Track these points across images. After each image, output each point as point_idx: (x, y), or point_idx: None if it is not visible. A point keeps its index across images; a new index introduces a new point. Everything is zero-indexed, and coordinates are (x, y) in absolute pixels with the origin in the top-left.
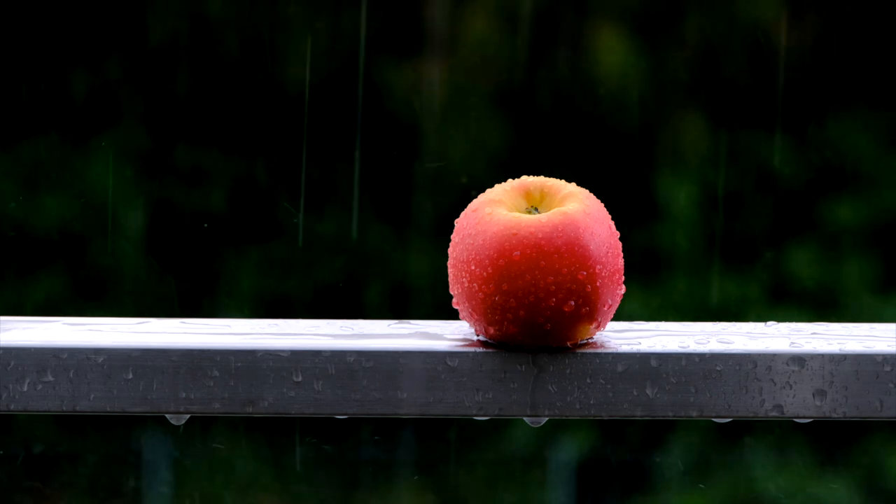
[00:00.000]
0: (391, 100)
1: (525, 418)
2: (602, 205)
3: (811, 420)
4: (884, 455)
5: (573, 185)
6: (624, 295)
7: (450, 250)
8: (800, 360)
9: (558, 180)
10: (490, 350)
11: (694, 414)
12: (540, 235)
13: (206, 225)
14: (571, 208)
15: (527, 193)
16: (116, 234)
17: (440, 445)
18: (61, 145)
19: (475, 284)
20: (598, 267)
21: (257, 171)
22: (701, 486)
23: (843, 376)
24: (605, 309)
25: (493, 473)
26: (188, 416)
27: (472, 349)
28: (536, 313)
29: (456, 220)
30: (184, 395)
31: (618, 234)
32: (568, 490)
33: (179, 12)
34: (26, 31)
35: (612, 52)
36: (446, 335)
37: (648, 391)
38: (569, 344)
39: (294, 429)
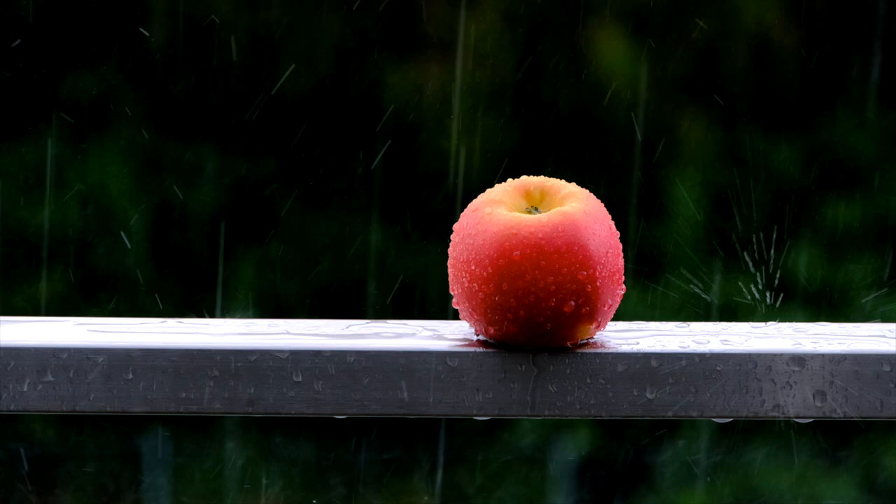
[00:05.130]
0: (392, 99)
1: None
2: (602, 205)
3: (811, 420)
4: (884, 454)
5: (573, 184)
6: (624, 295)
7: (450, 250)
8: (800, 360)
9: (558, 180)
10: (490, 350)
11: (694, 414)
12: (540, 235)
13: (206, 225)
14: (571, 208)
15: (527, 193)
16: (117, 234)
17: (440, 445)
18: (62, 145)
19: (475, 284)
20: (599, 267)
21: (258, 171)
22: (701, 485)
23: (843, 376)
24: (605, 309)
25: (493, 473)
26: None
27: (472, 349)
28: (536, 313)
29: (456, 221)
30: (184, 395)
31: (618, 234)
32: (568, 490)
33: (180, 12)
34: (27, 31)
35: (612, 51)
36: (446, 335)
37: (648, 391)
38: (569, 344)
39: (294, 429)
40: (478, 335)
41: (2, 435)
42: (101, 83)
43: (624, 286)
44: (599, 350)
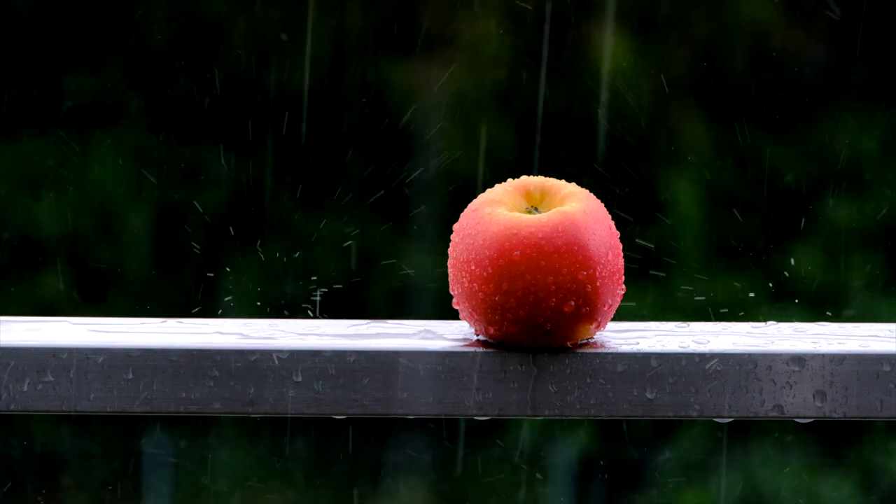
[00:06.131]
0: (391, 99)
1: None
2: (602, 205)
3: (811, 420)
4: (884, 454)
5: (573, 184)
6: (624, 295)
7: (450, 250)
8: (800, 360)
9: (558, 180)
10: (490, 350)
11: (694, 414)
12: (540, 235)
13: (206, 224)
14: (571, 208)
15: (527, 193)
16: (117, 234)
17: (440, 445)
18: (63, 145)
19: (475, 284)
20: (599, 267)
21: (258, 172)
22: (701, 485)
23: (843, 376)
24: (605, 309)
25: (493, 473)
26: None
27: (472, 349)
28: (536, 313)
29: (456, 221)
30: (184, 395)
31: (618, 234)
32: (568, 490)
33: (180, 12)
34: (28, 31)
35: (613, 51)
36: (446, 335)
37: (648, 391)
38: (569, 344)
39: (294, 429)
40: (478, 335)
41: (2, 435)
42: (103, 83)
43: (624, 286)
44: (599, 350)
